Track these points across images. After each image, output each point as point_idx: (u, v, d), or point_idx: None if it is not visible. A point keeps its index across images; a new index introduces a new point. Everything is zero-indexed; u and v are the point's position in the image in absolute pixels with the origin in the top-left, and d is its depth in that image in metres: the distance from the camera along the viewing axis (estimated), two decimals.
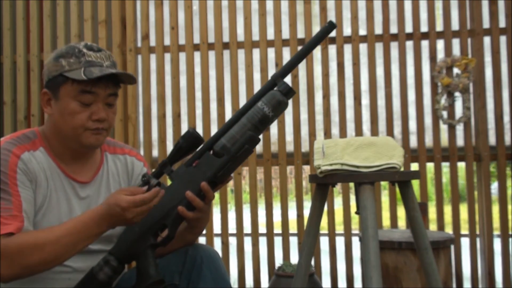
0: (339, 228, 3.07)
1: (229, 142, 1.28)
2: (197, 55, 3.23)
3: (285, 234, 3.08)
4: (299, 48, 3.15)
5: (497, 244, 2.99)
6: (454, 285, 2.89)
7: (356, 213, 1.41)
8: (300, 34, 3.19)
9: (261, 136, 1.31)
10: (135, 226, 1.30)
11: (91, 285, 1.28)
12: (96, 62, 1.34)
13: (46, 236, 1.22)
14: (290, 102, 3.11)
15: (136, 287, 1.28)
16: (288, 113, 3.12)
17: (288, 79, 3.11)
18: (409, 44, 3.11)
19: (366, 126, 3.12)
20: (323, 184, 1.47)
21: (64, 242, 1.21)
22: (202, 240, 3.15)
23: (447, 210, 3.01)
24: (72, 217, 1.34)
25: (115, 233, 1.38)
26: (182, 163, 1.34)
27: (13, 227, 1.22)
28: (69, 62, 1.33)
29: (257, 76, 3.17)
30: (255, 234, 3.10)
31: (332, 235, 3.06)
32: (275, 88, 1.30)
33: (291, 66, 1.33)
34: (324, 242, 3.05)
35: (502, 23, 3.05)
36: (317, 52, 3.18)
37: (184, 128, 3.20)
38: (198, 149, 1.31)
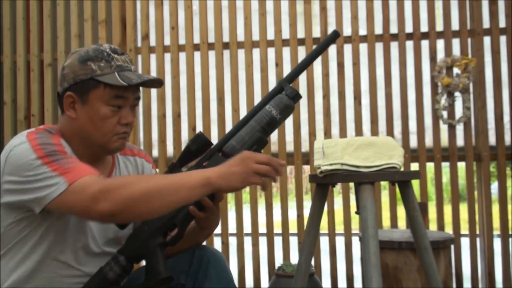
0: (339, 228, 3.07)
1: (238, 143, 1.31)
2: (197, 55, 3.23)
3: (285, 234, 3.08)
4: (299, 48, 3.16)
5: (497, 244, 2.99)
6: (454, 285, 2.89)
7: (356, 213, 1.41)
8: (300, 34, 3.19)
9: (270, 138, 1.34)
10: (145, 225, 1.32)
11: (100, 284, 1.29)
12: (125, 66, 1.34)
13: (149, 176, 1.23)
14: None
15: (145, 284, 1.28)
16: None
17: None
18: (409, 44, 3.11)
19: (366, 126, 3.12)
20: (323, 184, 1.47)
21: (167, 182, 1.19)
22: None
23: (447, 210, 3.01)
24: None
25: (124, 235, 1.38)
26: (189, 166, 1.35)
27: (94, 170, 1.22)
28: (99, 66, 1.31)
29: (257, 76, 3.17)
30: (255, 234, 3.10)
31: (332, 235, 3.06)
32: (283, 93, 1.34)
33: (296, 73, 1.38)
34: (324, 242, 3.05)
35: (502, 23, 3.05)
36: None
37: (184, 128, 3.20)
38: (207, 151, 1.33)
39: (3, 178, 1.25)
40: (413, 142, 3.08)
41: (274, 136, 3.15)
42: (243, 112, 3.16)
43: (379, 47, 3.11)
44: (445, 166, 3.12)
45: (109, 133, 1.33)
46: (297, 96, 1.33)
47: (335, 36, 1.38)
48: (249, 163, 1.19)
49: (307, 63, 1.38)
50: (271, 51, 3.18)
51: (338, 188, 2.59)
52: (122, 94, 1.32)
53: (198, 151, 1.32)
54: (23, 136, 1.27)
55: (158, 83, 1.39)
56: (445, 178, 3.25)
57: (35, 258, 1.29)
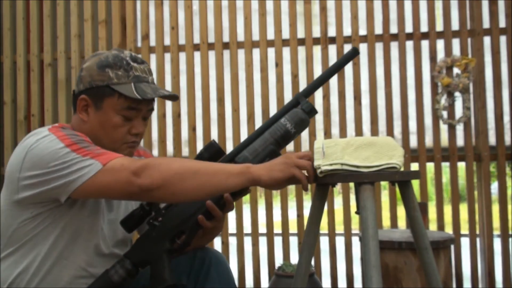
0: (339, 228, 3.07)
1: (251, 154, 1.31)
2: (197, 55, 3.23)
3: (285, 234, 3.08)
4: (299, 48, 3.16)
5: (497, 244, 2.99)
6: (454, 285, 2.89)
7: (356, 213, 1.41)
8: (300, 34, 3.19)
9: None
10: (153, 231, 1.32)
11: (105, 285, 1.29)
12: (142, 77, 1.33)
13: (187, 159, 1.25)
14: None
15: None
16: None
17: (288, 80, 3.12)
18: (409, 44, 3.11)
19: (366, 126, 3.12)
20: (323, 184, 1.47)
21: (205, 165, 1.22)
22: None
23: (447, 210, 3.01)
24: (98, 215, 1.34)
25: (131, 238, 1.37)
26: None
27: (124, 155, 1.25)
28: (117, 74, 1.31)
29: (257, 76, 3.17)
30: (255, 234, 3.10)
31: (332, 235, 3.06)
32: (298, 107, 1.34)
33: (313, 88, 1.38)
34: (324, 242, 3.05)
35: (502, 23, 3.05)
36: (317, 52, 3.18)
37: (184, 128, 3.20)
38: (219, 160, 1.33)
39: (21, 175, 1.23)
40: (413, 142, 3.08)
41: None
42: (243, 112, 3.16)
43: (379, 47, 3.11)
44: (445, 166, 3.12)
45: (118, 141, 1.34)
46: (313, 111, 1.33)
47: (354, 53, 1.37)
48: (290, 157, 1.22)
49: (324, 79, 1.38)
50: (271, 51, 3.18)
51: (338, 188, 2.59)
52: (136, 106, 1.32)
53: (210, 159, 1.32)
54: (45, 131, 1.27)
55: (173, 97, 1.38)
56: (445, 178, 3.25)
57: (49, 257, 1.28)
